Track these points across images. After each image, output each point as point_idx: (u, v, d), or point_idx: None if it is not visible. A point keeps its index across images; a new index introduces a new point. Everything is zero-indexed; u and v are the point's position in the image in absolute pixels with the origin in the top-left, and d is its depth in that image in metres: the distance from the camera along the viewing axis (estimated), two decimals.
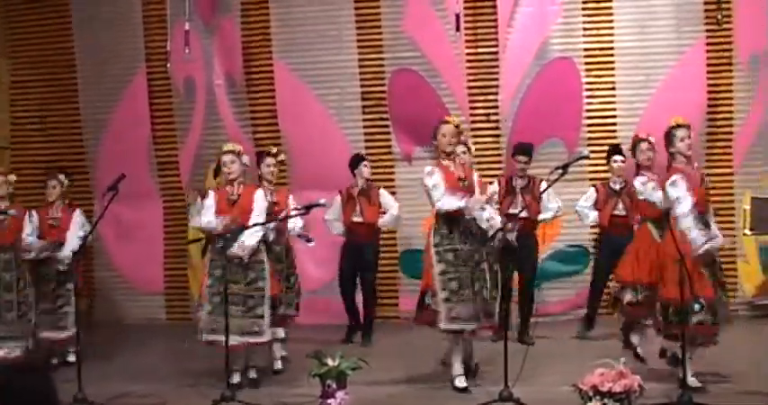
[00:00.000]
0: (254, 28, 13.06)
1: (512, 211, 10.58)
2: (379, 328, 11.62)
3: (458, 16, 12.08)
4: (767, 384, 7.71)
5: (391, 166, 12.77)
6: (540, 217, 10.89)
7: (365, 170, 11.23)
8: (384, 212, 11.29)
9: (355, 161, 11.31)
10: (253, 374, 9.14)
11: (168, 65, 12.91)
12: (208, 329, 8.79)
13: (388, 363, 9.53)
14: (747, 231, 9.20)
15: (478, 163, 12.33)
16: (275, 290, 9.00)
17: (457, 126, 8.65)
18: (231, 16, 12.99)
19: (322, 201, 9.16)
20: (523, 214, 10.45)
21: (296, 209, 9.82)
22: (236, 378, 8.73)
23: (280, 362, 9.69)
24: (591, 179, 11.85)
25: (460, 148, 9.26)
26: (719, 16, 12.11)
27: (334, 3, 12.80)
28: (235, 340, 8.44)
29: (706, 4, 12.22)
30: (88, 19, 13.42)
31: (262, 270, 8.87)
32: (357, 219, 11.22)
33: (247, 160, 9.40)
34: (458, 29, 12.13)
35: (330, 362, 7.80)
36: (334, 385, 7.77)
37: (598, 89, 12.44)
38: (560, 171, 8.18)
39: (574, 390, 7.28)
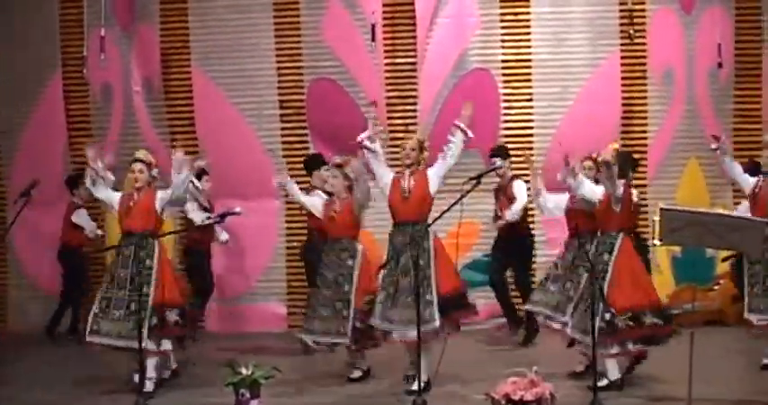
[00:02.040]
0: (172, 35, 12.96)
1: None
2: None
3: (373, 26, 12.15)
4: (678, 390, 7.84)
5: (309, 175, 12.71)
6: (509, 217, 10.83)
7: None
8: None
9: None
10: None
11: (85, 70, 12.79)
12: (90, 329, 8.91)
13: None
14: (657, 242, 9.34)
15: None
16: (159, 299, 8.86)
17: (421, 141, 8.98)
18: (150, 23, 12.89)
19: (237, 209, 9.17)
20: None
21: (211, 217, 9.81)
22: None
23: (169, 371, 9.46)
24: None
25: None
26: (632, 31, 12.33)
27: (254, 11, 12.76)
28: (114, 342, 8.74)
29: (621, 18, 12.41)
30: (3, 23, 13.24)
31: (148, 275, 8.83)
32: None
33: (156, 172, 9.21)
34: (373, 39, 12.19)
35: (244, 370, 7.80)
36: (247, 394, 7.77)
37: (515, 100, 12.57)
38: (474, 181, 8.32)
39: (486, 398, 7.36)
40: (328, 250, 9.26)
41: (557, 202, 9.66)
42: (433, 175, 8.83)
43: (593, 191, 8.85)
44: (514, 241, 11.09)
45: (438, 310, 8.52)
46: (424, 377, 8.37)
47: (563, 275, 9.47)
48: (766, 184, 9.43)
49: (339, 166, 9.38)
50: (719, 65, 12.16)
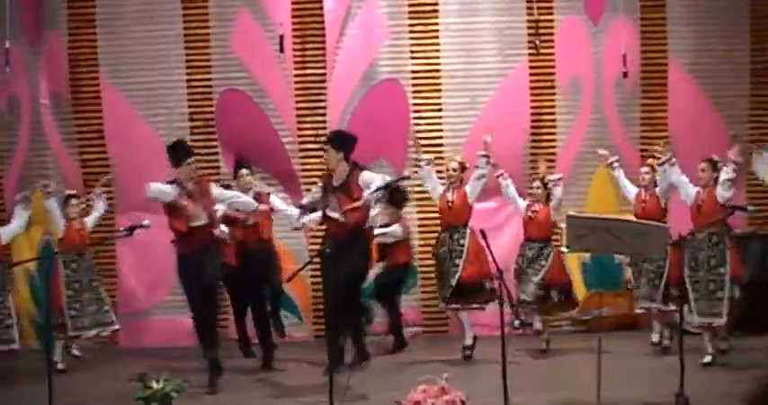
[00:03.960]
0: (80, 46, 12.80)
1: (329, 213, 10.11)
2: None
3: (282, 37, 12.15)
4: (587, 394, 7.94)
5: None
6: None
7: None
8: None
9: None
10: None
11: None
12: None
13: None
14: (564, 249, 9.47)
15: (307, 184, 12.39)
16: None
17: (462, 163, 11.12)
18: (57, 35, 12.70)
19: (146, 222, 9.10)
20: (338, 217, 10.03)
21: (119, 230, 9.76)
22: None
23: None
24: (417, 199, 12.18)
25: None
26: (537, 42, 12.48)
27: (163, 22, 12.66)
28: None
29: (529, 28, 12.54)
30: None
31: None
32: None
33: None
34: (282, 50, 12.19)
35: (155, 384, 7.75)
36: None
37: (425, 111, 12.63)
38: (382, 191, 8.35)
39: None
40: None
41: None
42: (469, 191, 11.02)
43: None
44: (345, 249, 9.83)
45: (452, 293, 10.76)
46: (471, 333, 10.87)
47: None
48: (708, 194, 9.90)
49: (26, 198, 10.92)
50: (625, 74, 12.31)
